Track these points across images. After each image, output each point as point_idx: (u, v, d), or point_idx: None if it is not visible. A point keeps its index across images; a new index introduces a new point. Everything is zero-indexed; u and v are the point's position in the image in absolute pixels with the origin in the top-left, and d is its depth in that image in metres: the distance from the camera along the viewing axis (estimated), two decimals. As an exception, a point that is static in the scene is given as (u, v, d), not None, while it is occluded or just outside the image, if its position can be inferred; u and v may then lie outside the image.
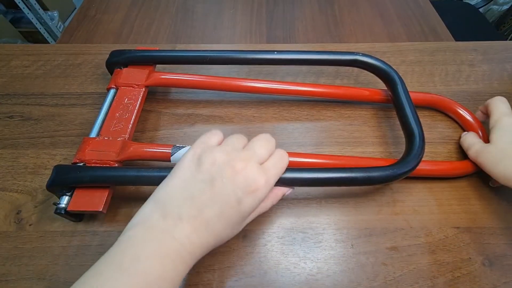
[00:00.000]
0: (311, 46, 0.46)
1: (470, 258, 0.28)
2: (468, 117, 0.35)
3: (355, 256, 0.28)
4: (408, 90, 0.34)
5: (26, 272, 0.28)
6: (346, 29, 0.61)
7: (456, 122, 0.37)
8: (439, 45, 0.46)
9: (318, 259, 0.28)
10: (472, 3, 1.06)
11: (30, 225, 0.30)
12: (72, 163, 0.29)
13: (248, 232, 0.30)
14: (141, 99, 0.34)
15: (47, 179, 0.26)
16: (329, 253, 0.29)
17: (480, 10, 1.01)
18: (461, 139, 0.34)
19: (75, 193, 0.27)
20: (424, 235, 0.29)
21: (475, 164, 0.31)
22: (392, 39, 0.58)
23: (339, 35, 0.60)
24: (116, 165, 0.29)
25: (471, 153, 0.31)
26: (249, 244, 0.29)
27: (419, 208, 0.31)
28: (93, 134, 0.31)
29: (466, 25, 0.94)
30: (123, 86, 0.35)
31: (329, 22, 0.63)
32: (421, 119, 0.31)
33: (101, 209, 0.27)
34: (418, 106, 0.36)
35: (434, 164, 0.32)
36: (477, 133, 0.34)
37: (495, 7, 1.26)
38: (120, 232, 0.29)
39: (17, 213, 0.31)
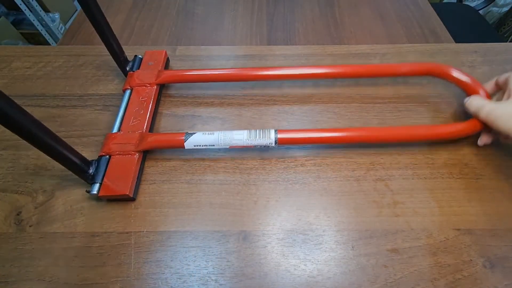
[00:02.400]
0: (312, 48, 0.46)
1: (471, 260, 0.28)
2: (468, 80, 0.36)
3: (355, 258, 0.28)
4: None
5: (26, 273, 0.28)
6: (347, 30, 0.61)
7: (456, 86, 0.37)
8: (440, 46, 0.46)
9: (318, 261, 0.28)
10: (472, 5, 1.06)
11: (30, 226, 0.30)
12: (98, 156, 0.32)
13: (248, 233, 0.30)
14: (154, 96, 0.37)
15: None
16: (329, 255, 0.29)
17: (480, 12, 1.01)
18: (467, 103, 0.33)
19: (104, 180, 0.30)
20: (425, 237, 0.29)
21: (481, 123, 0.32)
22: (392, 41, 0.58)
23: (340, 36, 0.60)
24: (137, 155, 0.32)
25: (483, 113, 0.31)
26: (249, 245, 0.29)
27: (419, 210, 0.31)
28: (115, 130, 0.35)
29: (466, 27, 0.94)
30: (136, 86, 0.38)
31: (330, 24, 0.63)
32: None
33: (127, 193, 0.29)
34: (417, 76, 0.38)
35: (441, 128, 0.33)
36: (478, 94, 0.34)
37: (495, 9, 1.26)
38: (119, 234, 0.29)
39: (17, 214, 0.31)
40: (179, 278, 0.27)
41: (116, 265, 0.28)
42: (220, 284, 0.27)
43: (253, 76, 0.38)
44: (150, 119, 0.36)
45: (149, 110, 0.36)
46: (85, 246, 0.29)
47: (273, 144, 0.32)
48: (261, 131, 0.32)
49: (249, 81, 0.40)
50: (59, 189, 0.32)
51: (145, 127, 0.34)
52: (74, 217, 0.31)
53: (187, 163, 0.34)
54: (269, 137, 0.31)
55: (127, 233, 0.30)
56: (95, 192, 0.30)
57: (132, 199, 0.31)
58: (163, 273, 0.28)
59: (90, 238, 0.29)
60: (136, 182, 0.32)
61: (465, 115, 0.38)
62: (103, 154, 0.32)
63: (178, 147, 0.33)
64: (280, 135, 0.32)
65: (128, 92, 0.38)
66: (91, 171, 0.30)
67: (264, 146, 0.32)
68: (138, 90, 0.38)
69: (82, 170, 0.30)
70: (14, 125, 0.22)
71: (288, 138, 0.32)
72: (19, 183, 0.33)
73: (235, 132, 0.32)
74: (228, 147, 0.32)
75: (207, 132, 0.32)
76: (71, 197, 0.32)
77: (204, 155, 0.35)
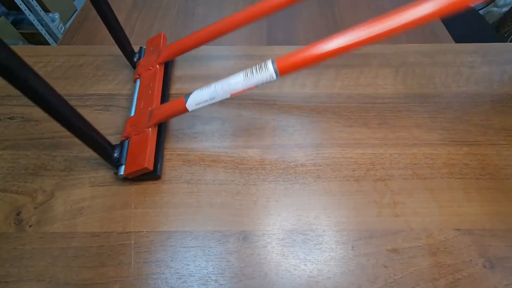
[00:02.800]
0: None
1: (471, 260, 0.28)
2: None
3: (355, 258, 0.28)
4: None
5: (26, 273, 0.28)
6: (346, 31, 0.61)
7: None
8: (439, 47, 0.46)
9: (318, 261, 0.28)
10: (472, 5, 1.06)
11: (30, 226, 0.30)
12: (120, 141, 0.33)
13: (248, 233, 0.30)
14: (158, 75, 0.39)
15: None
16: (329, 255, 0.29)
17: (480, 12, 1.02)
18: None
19: (126, 160, 0.32)
20: (424, 237, 0.29)
21: None
22: (392, 41, 0.58)
23: (339, 37, 0.60)
24: (149, 130, 0.33)
25: None
26: (249, 245, 0.29)
27: (419, 210, 0.31)
28: (131, 115, 0.36)
29: (466, 27, 0.94)
30: (143, 73, 0.40)
31: (329, 24, 0.63)
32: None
33: (145, 165, 0.31)
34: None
35: None
36: None
37: (495, 9, 1.26)
38: (119, 234, 0.29)
39: (17, 214, 0.31)
40: (179, 278, 0.27)
41: (116, 265, 0.28)
42: (220, 284, 0.27)
43: (247, 15, 0.35)
44: (158, 97, 0.37)
45: (155, 89, 0.37)
46: (85, 246, 0.29)
47: (275, 77, 0.28)
48: (258, 66, 0.28)
49: (247, 23, 0.36)
50: (59, 189, 0.32)
51: (154, 105, 0.35)
52: (74, 217, 0.31)
53: (187, 163, 0.34)
54: (267, 70, 0.28)
55: (127, 233, 0.30)
56: (122, 173, 0.31)
57: (157, 176, 0.33)
58: (163, 273, 0.28)
59: (90, 238, 0.29)
60: (157, 158, 0.33)
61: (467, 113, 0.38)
62: (124, 138, 0.34)
63: (182, 112, 0.32)
64: (278, 63, 0.28)
65: (138, 81, 0.40)
66: (116, 154, 0.32)
67: (266, 82, 0.29)
68: (144, 76, 0.40)
69: (109, 154, 0.31)
70: (57, 114, 0.25)
71: (288, 64, 0.28)
72: (19, 183, 0.33)
73: (231, 78, 0.30)
74: (229, 96, 0.30)
75: (203, 88, 0.31)
76: (71, 197, 0.32)
77: (204, 154, 0.35)
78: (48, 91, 0.23)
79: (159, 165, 0.33)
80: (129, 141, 0.33)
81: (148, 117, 0.34)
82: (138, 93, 0.39)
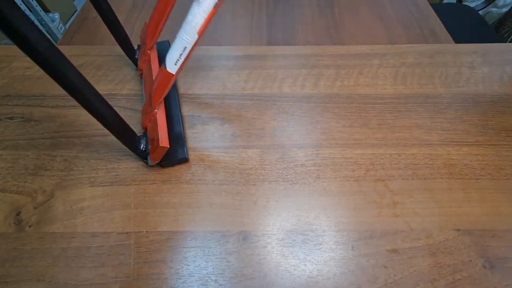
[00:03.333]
0: (312, 48, 0.46)
1: (471, 260, 0.28)
2: None
3: (355, 258, 0.28)
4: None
5: (26, 273, 0.28)
6: (346, 31, 0.61)
7: None
8: (439, 47, 0.46)
9: (318, 261, 0.28)
10: (472, 5, 1.06)
11: (29, 226, 0.30)
12: (143, 132, 0.35)
13: (248, 233, 0.30)
14: (153, 60, 0.40)
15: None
16: (329, 255, 0.29)
17: (480, 12, 1.02)
18: None
19: (150, 149, 0.33)
20: (424, 237, 0.29)
21: None
22: (392, 42, 0.58)
23: (339, 37, 0.60)
24: (155, 111, 0.34)
25: None
26: (249, 245, 0.29)
27: (419, 210, 0.31)
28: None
29: (465, 27, 0.94)
30: (142, 65, 0.41)
31: (329, 24, 0.63)
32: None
33: (161, 144, 0.31)
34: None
35: None
36: None
37: (494, 9, 1.26)
38: (119, 234, 0.29)
39: (17, 214, 0.31)
40: (179, 278, 0.27)
41: (116, 266, 0.28)
42: (220, 285, 0.27)
43: None
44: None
45: (153, 74, 0.38)
46: (85, 247, 0.29)
47: None
48: None
49: None
50: (59, 189, 0.32)
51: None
52: (74, 217, 0.31)
53: (187, 163, 0.34)
54: None
55: (126, 233, 0.30)
56: (150, 162, 0.33)
57: (184, 159, 0.34)
58: (163, 273, 0.28)
59: (89, 238, 0.29)
60: (176, 140, 0.34)
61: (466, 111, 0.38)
62: (144, 129, 0.35)
63: (169, 78, 0.31)
64: None
65: (142, 75, 0.41)
66: (142, 145, 0.33)
67: None
68: (144, 67, 0.41)
69: (136, 145, 0.33)
70: (93, 108, 0.27)
71: None
72: (18, 183, 0.33)
73: (187, 16, 0.28)
74: (197, 35, 0.28)
75: (171, 45, 0.30)
76: (71, 197, 0.32)
77: (204, 154, 0.35)
78: (89, 88, 0.25)
79: (184, 147, 0.34)
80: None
81: (149, 100, 0.35)
82: (144, 85, 0.40)
